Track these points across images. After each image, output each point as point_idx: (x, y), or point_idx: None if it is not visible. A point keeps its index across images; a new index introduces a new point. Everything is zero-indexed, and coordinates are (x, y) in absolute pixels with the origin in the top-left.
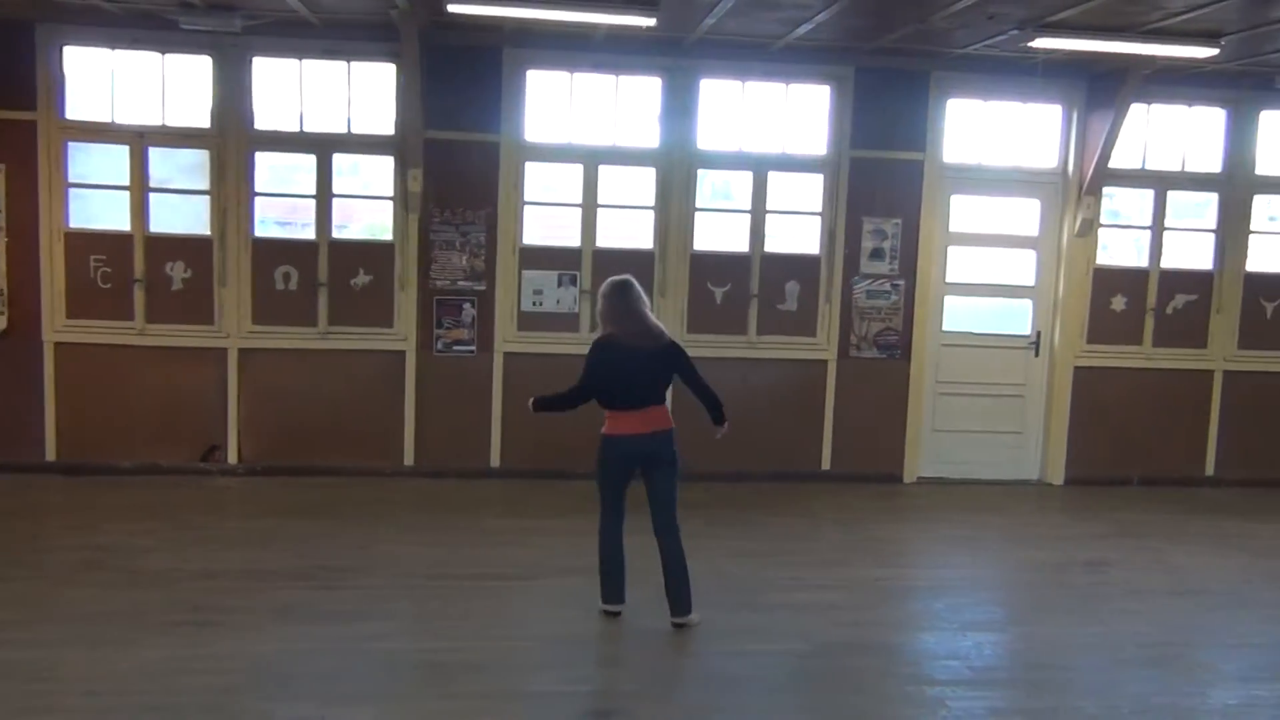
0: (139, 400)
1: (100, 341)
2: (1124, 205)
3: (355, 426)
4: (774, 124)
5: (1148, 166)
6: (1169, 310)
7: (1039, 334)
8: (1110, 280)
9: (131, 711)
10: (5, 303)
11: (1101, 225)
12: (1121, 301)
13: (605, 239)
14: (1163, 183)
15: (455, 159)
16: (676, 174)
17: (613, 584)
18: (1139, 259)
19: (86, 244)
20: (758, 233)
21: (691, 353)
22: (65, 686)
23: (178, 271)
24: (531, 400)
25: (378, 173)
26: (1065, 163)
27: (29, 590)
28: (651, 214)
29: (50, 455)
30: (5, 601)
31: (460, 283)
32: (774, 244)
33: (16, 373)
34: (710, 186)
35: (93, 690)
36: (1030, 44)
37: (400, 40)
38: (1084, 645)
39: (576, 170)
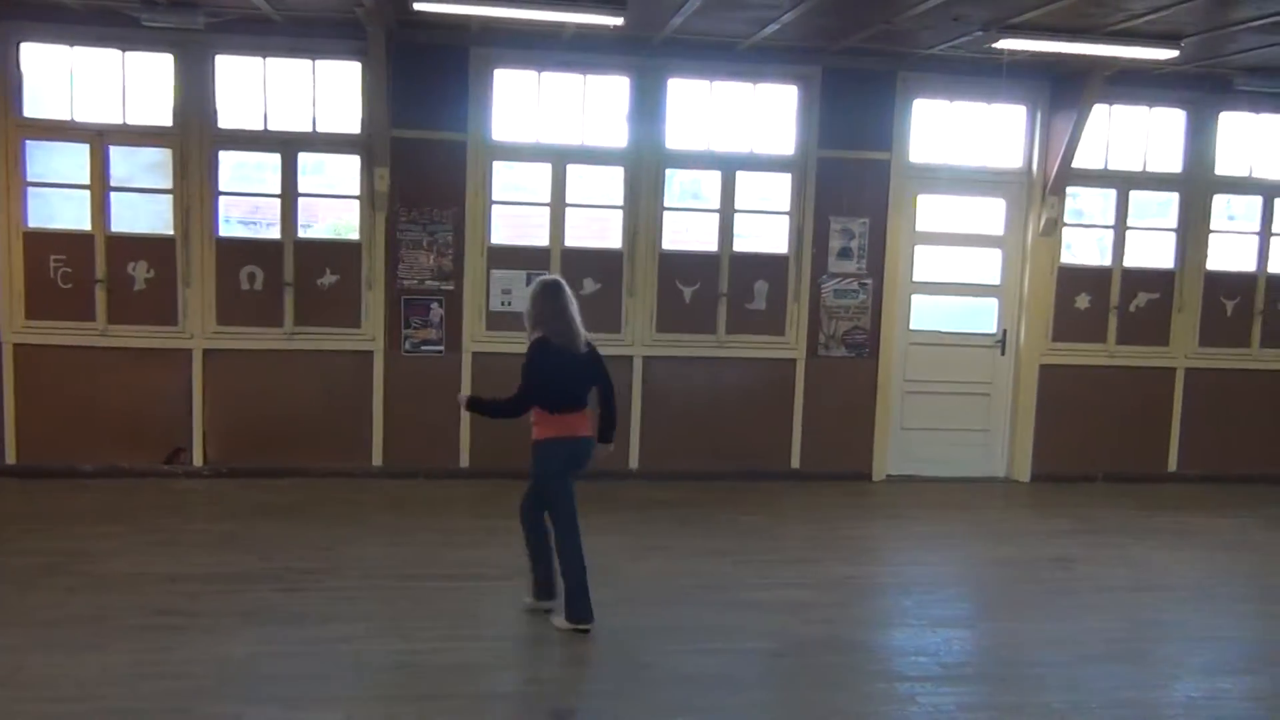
0: (102, 402)
1: (61, 343)
2: (1087, 205)
3: (323, 427)
4: (742, 124)
5: (1110, 166)
6: (1132, 308)
7: (1005, 332)
8: (1074, 279)
9: (97, 716)
10: None
11: (1065, 224)
12: (1085, 300)
13: (574, 238)
14: (1125, 182)
15: (422, 158)
16: (645, 173)
17: (587, 597)
18: (1102, 258)
19: (46, 244)
20: (726, 232)
21: (660, 352)
22: (28, 692)
23: (140, 271)
24: (465, 397)
25: (343, 172)
26: (1030, 163)
27: None
28: (620, 213)
29: (10, 459)
30: None
31: (428, 282)
32: (743, 243)
33: None
34: (679, 186)
35: (57, 696)
36: (995, 45)
37: (366, 38)
38: (1051, 640)
39: (544, 169)
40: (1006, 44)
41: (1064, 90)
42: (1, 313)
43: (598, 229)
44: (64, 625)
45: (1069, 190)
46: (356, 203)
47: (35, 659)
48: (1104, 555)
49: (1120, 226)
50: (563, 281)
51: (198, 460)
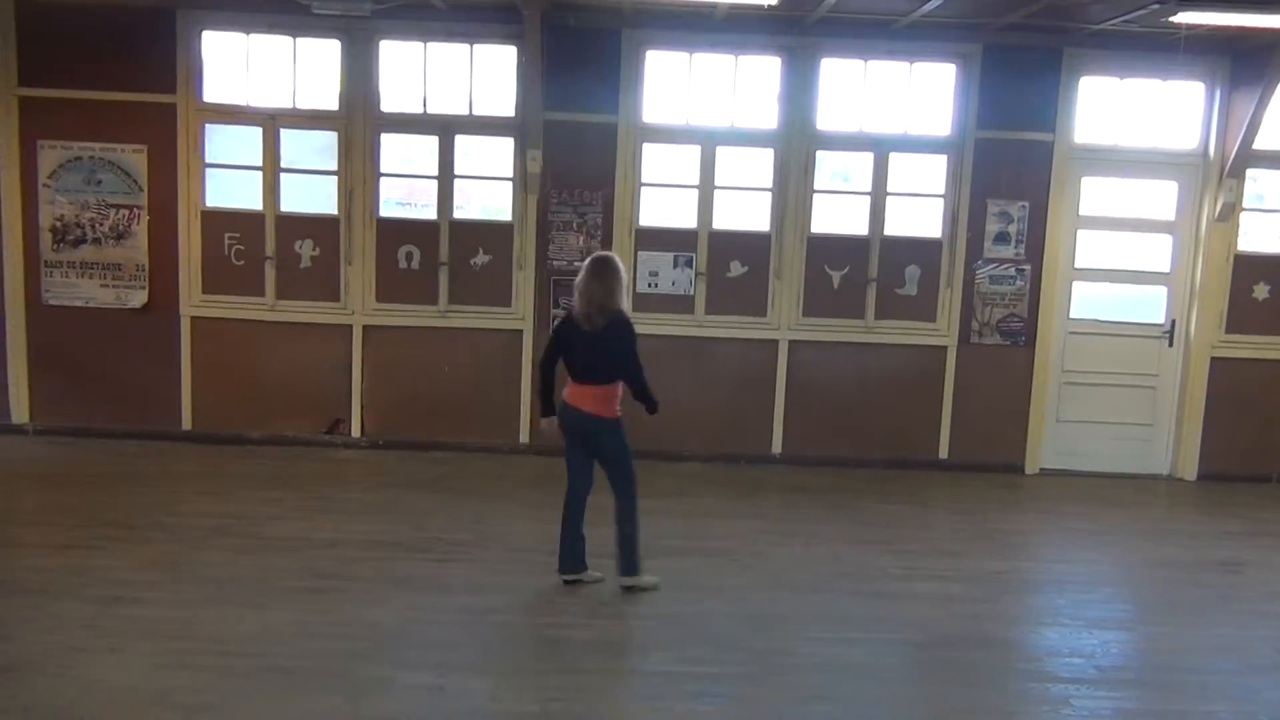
0: (268, 373)
1: (233, 316)
2: (1269, 188)
3: (474, 403)
4: (896, 104)
5: None
6: None
7: (1174, 323)
8: (1252, 267)
9: (261, 672)
10: (147, 278)
11: (1244, 209)
12: (1264, 290)
13: (722, 221)
14: None
15: (574, 140)
16: (795, 155)
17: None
18: None
19: (222, 222)
20: (877, 215)
21: (806, 337)
22: (199, 645)
23: (306, 249)
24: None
25: (497, 154)
26: (1206, 144)
27: (166, 553)
28: (769, 196)
29: (186, 424)
30: (145, 563)
31: (577, 263)
32: (894, 227)
33: (156, 345)
34: (829, 168)
35: (225, 650)
36: (1171, 19)
37: (521, 22)
38: (1217, 648)
39: (694, 151)
40: (1185, 17)
41: (1246, 66)
42: (181, 287)
43: (746, 211)
44: (232, 584)
45: (1249, 173)
46: (509, 184)
47: (206, 614)
48: (1277, 560)
49: None
50: (606, 258)
51: (356, 431)
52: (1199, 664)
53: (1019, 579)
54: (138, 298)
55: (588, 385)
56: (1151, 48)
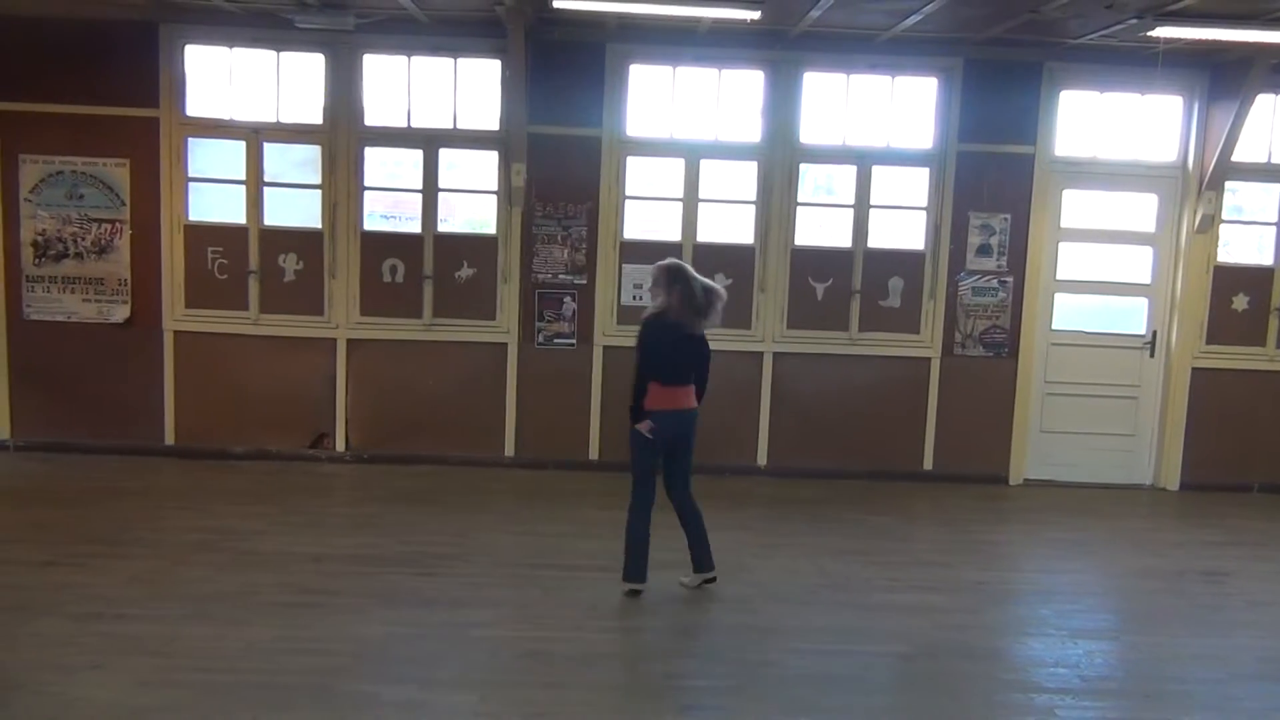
0: (252, 388)
1: (216, 330)
2: (1247, 200)
3: (458, 417)
4: (879, 117)
5: (1274, 160)
6: None
7: (1155, 334)
8: (1232, 279)
9: (244, 689)
10: (129, 292)
11: (1223, 221)
12: (1244, 301)
13: (706, 233)
14: None
15: (558, 154)
16: (778, 168)
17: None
18: (1263, 256)
19: (205, 236)
20: (861, 228)
21: (791, 348)
22: (182, 662)
23: (290, 263)
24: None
25: (481, 167)
26: (1185, 156)
27: (148, 568)
28: (753, 209)
29: (169, 439)
30: (127, 578)
31: (561, 276)
32: (877, 239)
33: (138, 360)
34: (812, 181)
35: (206, 667)
36: (1150, 33)
37: (506, 36)
38: (1200, 657)
39: (678, 164)
40: (1163, 32)
41: (1224, 79)
42: (164, 301)
43: (730, 224)
44: (214, 600)
45: (1228, 185)
46: (494, 198)
47: (187, 630)
48: (1258, 569)
49: None
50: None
51: (340, 446)
52: (1182, 673)
53: (1003, 589)
54: (120, 312)
55: (688, 386)
56: (1130, 61)
